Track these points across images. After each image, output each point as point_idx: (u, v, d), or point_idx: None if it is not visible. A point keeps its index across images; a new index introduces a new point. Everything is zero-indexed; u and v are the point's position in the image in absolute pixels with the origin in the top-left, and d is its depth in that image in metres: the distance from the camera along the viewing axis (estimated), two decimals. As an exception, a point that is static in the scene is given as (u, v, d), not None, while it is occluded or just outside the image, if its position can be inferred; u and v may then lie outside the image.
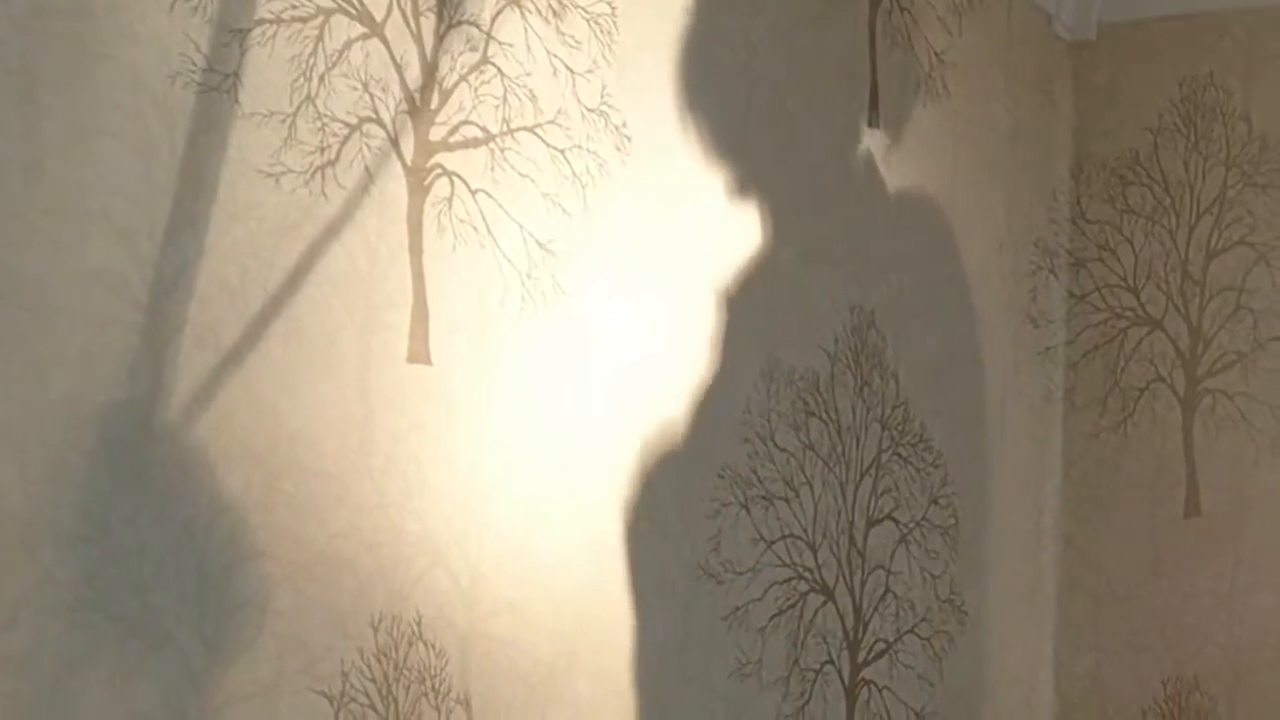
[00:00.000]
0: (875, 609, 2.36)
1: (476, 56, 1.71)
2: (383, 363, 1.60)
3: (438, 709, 1.64)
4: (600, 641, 1.86)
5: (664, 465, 1.97)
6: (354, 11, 1.57)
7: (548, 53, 1.81)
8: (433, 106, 1.66)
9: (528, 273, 1.77)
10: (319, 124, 1.54)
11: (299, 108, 1.51)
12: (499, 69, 1.74)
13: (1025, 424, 2.83)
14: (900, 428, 2.43)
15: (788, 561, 2.18)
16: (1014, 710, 2.79)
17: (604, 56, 1.89)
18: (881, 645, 2.38)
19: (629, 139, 1.93)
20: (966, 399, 2.63)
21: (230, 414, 1.45)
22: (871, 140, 2.41)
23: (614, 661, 1.88)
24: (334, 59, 1.55)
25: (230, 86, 1.45)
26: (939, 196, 2.57)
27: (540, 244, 1.79)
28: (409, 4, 1.63)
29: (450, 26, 1.68)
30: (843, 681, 2.29)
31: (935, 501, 2.52)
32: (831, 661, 2.27)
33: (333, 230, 1.55)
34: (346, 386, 1.56)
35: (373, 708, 1.57)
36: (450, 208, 1.68)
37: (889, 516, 2.40)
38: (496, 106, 1.73)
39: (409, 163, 1.63)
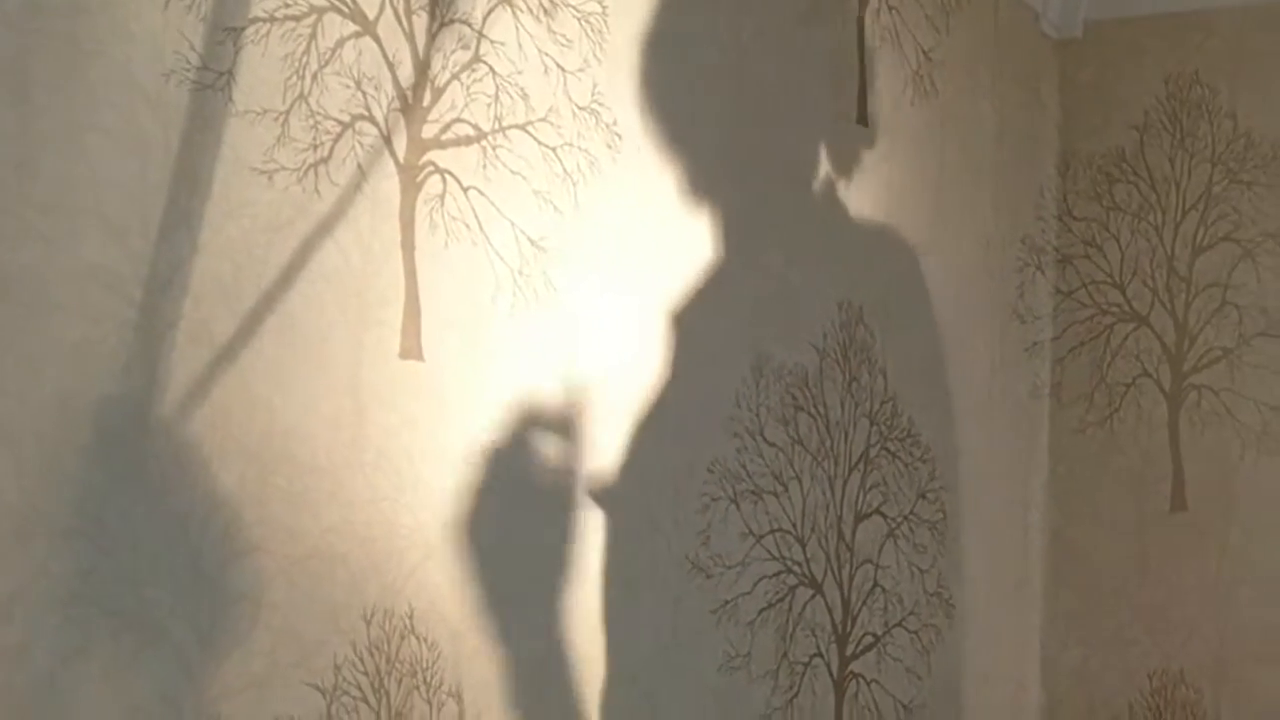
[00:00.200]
0: (863, 603, 2.37)
1: (468, 55, 1.72)
2: (375, 359, 1.61)
3: (429, 702, 1.65)
4: (591, 635, 1.87)
5: (654, 461, 1.98)
6: (347, 10, 1.57)
7: (539, 51, 1.81)
8: (425, 104, 1.67)
9: (519, 269, 1.78)
10: (312, 122, 1.54)
11: (292, 105, 1.52)
12: (491, 67, 1.74)
13: (1012, 419, 2.84)
14: (888, 423, 2.44)
15: (777, 555, 2.19)
16: (1001, 703, 2.80)
17: (595, 55, 1.89)
18: (870, 638, 2.39)
19: (620, 137, 1.93)
20: (954, 394, 2.63)
21: (224, 410, 1.46)
22: (860, 138, 2.41)
23: (605, 655, 1.89)
24: (327, 57, 1.56)
25: (224, 84, 1.45)
26: (927, 193, 2.58)
27: (532, 241, 1.80)
28: (401, 3, 1.63)
29: (442, 25, 1.69)
30: (831, 674, 2.30)
31: (923, 496, 2.53)
32: (820, 654, 2.27)
33: (326, 227, 1.56)
34: (339, 382, 1.57)
35: (365, 700, 1.58)
36: (442, 205, 1.68)
37: (877, 511, 2.41)
38: (488, 104, 1.74)
39: (401, 160, 1.64)
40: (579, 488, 1.87)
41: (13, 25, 1.27)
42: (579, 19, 1.87)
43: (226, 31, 1.46)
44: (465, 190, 1.71)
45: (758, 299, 2.18)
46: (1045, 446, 2.95)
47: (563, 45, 1.85)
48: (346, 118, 1.58)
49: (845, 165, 2.38)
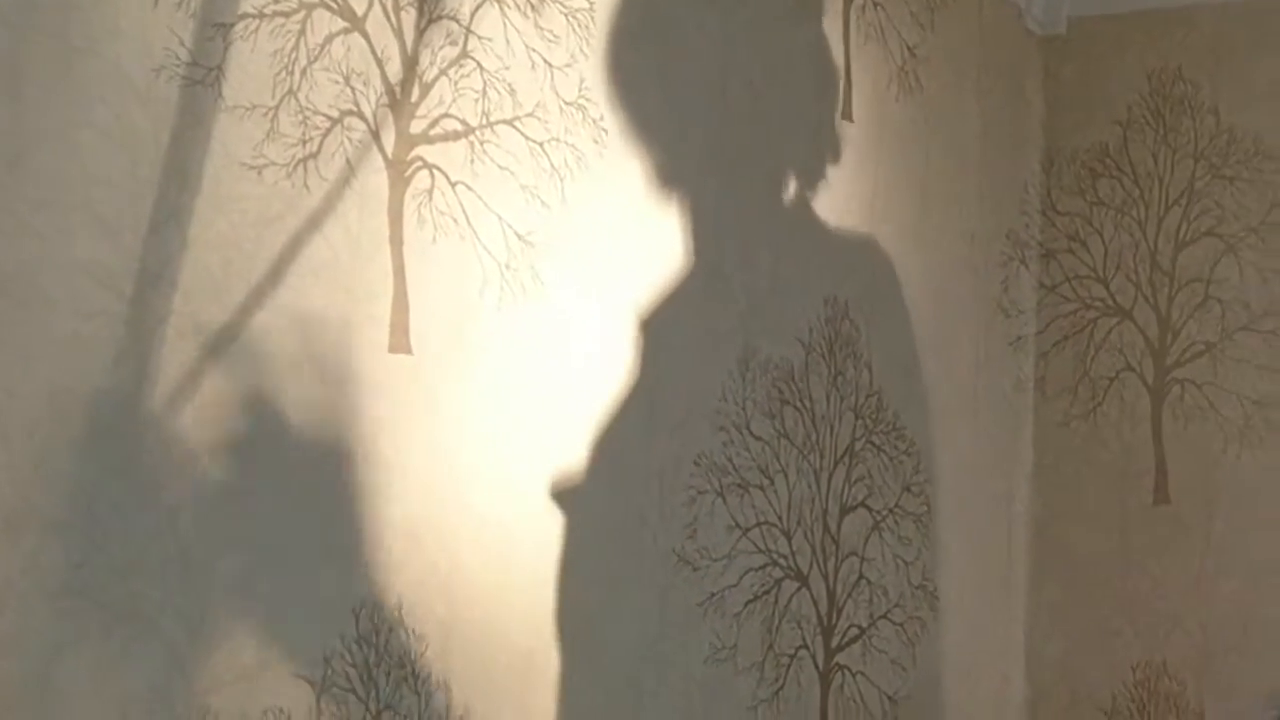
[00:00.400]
0: (849, 595, 2.38)
1: (456, 51, 1.72)
2: (364, 352, 1.61)
3: (418, 693, 1.65)
4: (579, 627, 1.87)
5: (641, 455, 1.99)
6: (335, 6, 1.58)
7: (526, 47, 1.82)
8: (413, 100, 1.67)
9: (507, 264, 1.78)
10: (301, 117, 1.54)
11: (281, 101, 1.52)
12: (478, 63, 1.75)
13: (996, 413, 2.85)
14: (874, 416, 2.45)
15: (763, 548, 2.19)
16: (986, 695, 2.80)
17: (582, 50, 1.90)
18: (855, 630, 2.39)
19: (606, 132, 1.94)
20: (939, 388, 2.64)
21: (214, 403, 1.46)
22: (846, 134, 2.42)
23: (592, 647, 1.89)
24: (316, 53, 1.56)
25: (214, 80, 1.46)
26: (912, 188, 2.58)
27: (519, 235, 1.80)
28: (390, -1, 1.64)
29: (430, 21, 1.69)
30: (817, 666, 2.31)
31: (908, 489, 2.53)
32: (806, 646, 2.28)
33: (314, 222, 1.56)
34: (328, 376, 1.57)
35: (354, 692, 1.58)
36: (430, 200, 1.69)
37: (862, 504, 2.42)
38: (476, 100, 1.74)
39: (390, 155, 1.64)
40: (563, 481, 1.87)
41: (6, 23, 1.27)
42: (566, 15, 1.88)
43: (216, 28, 1.46)
44: (453, 185, 1.71)
45: (744, 293, 2.19)
46: (1029, 440, 2.96)
47: (550, 41, 1.85)
48: (335, 113, 1.58)
49: (831, 161, 2.38)
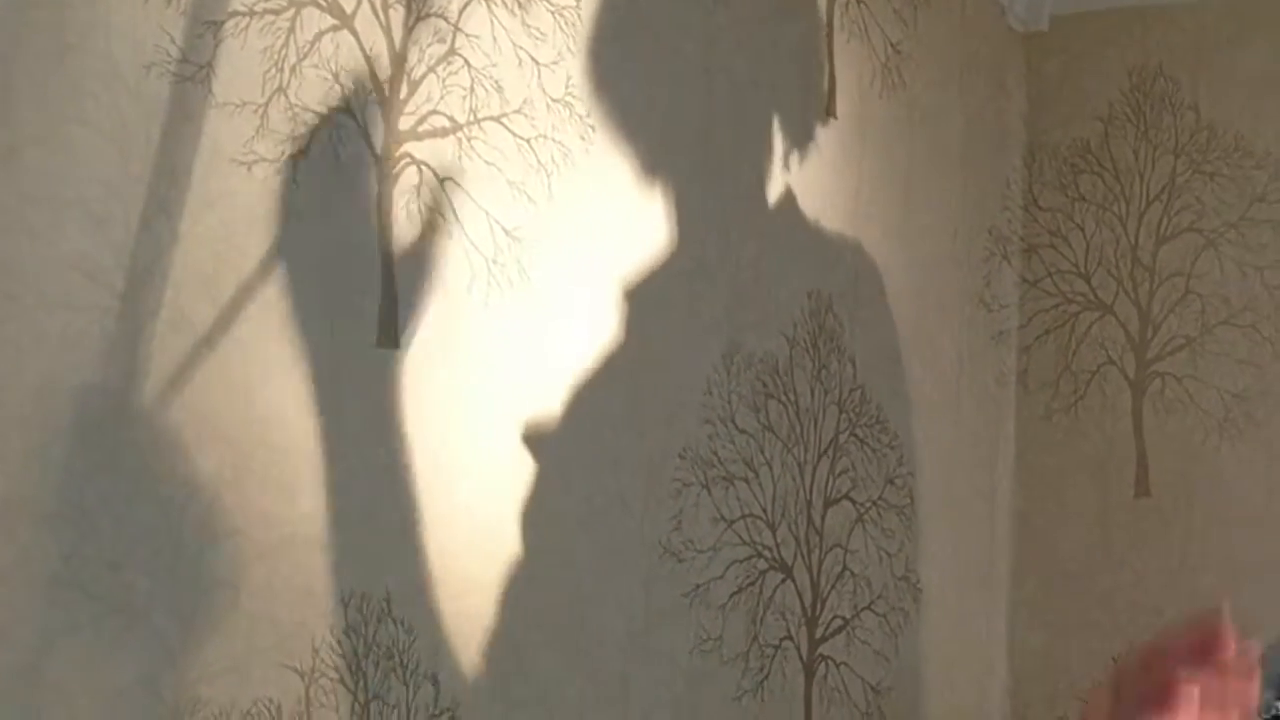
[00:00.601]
0: (833, 587, 2.39)
1: (444, 48, 1.73)
2: (352, 347, 1.62)
3: (406, 684, 1.66)
4: (566, 618, 1.88)
5: (627, 448, 2.00)
6: (325, 4, 1.59)
7: (513, 44, 1.82)
8: (401, 97, 1.68)
9: (494, 259, 1.79)
10: (291, 114, 1.55)
11: (271, 98, 1.53)
12: (466, 60, 1.76)
13: (979, 406, 2.86)
14: (857, 410, 2.46)
15: (747, 540, 2.20)
16: (968, 685, 2.81)
17: (569, 48, 1.91)
18: (839, 622, 2.40)
19: (593, 129, 1.95)
20: (921, 382, 2.65)
21: (204, 396, 1.47)
22: (830, 130, 2.42)
23: (579, 638, 1.90)
24: (305, 50, 1.57)
25: (204, 77, 1.47)
26: (895, 184, 2.59)
27: (506, 231, 1.81)
28: (378, -4, 1.64)
29: (419, 19, 1.70)
30: (801, 657, 2.32)
31: (891, 482, 2.54)
32: (790, 637, 2.29)
33: (303, 218, 1.57)
34: (317, 370, 1.58)
35: (342, 682, 1.59)
36: (418, 195, 1.70)
37: (846, 496, 2.43)
38: (464, 97, 1.75)
39: (378, 152, 1.65)
40: (550, 474, 1.88)
41: (-4, 18, 1.28)
42: (553, 12, 1.89)
43: (206, 25, 1.47)
44: (441, 181, 1.72)
45: (729, 288, 2.20)
46: (1011, 433, 2.97)
47: (537, 39, 1.86)
48: (324, 110, 1.59)
49: (814, 157, 2.39)
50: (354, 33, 1.62)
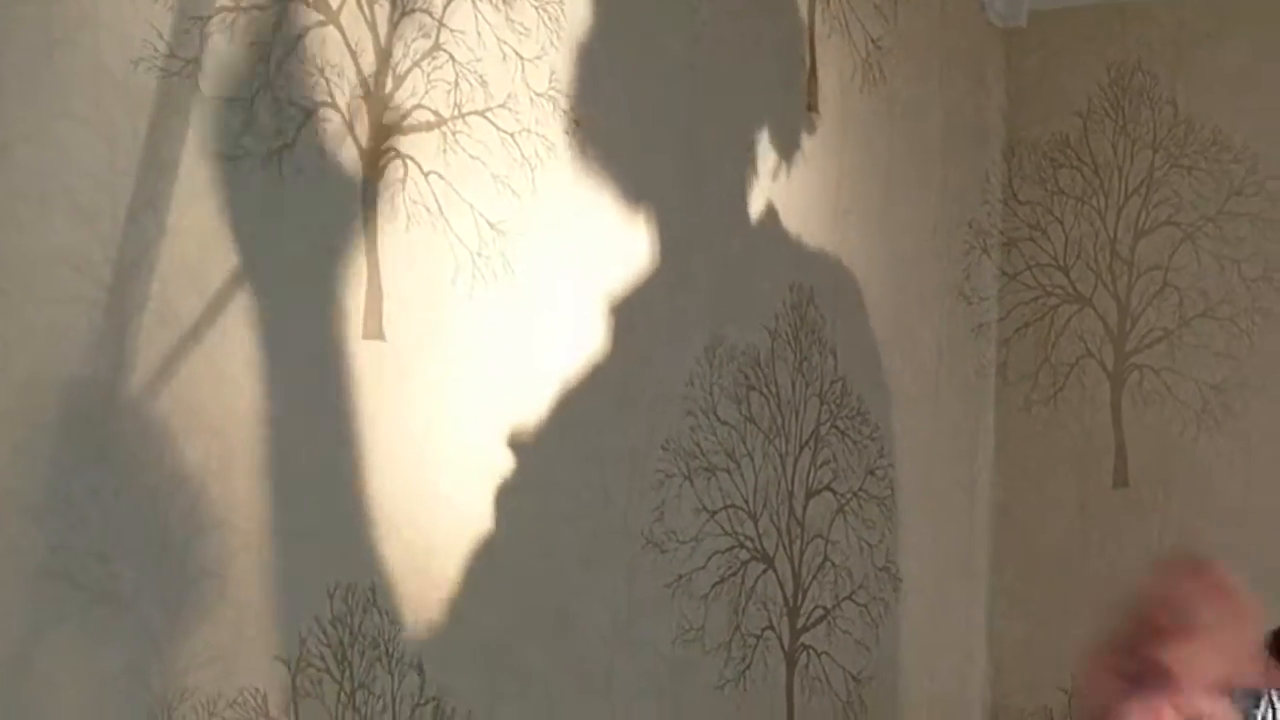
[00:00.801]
0: (814, 577, 2.40)
1: (429, 43, 1.74)
2: (338, 339, 1.63)
3: (391, 673, 1.67)
4: (549, 608, 1.90)
5: (610, 439, 2.01)
6: (310, 0, 1.59)
7: (497, 39, 1.83)
8: (386, 91, 1.69)
9: (478, 251, 1.80)
10: (277, 108, 1.56)
11: (257, 92, 1.54)
12: (450, 55, 1.76)
13: (959, 398, 2.87)
14: (838, 402, 2.47)
15: (729, 531, 2.21)
16: (948, 673, 2.83)
17: (552, 43, 1.91)
18: (820, 612, 2.41)
19: (577, 123, 1.95)
20: (902, 374, 2.66)
21: (191, 389, 1.48)
22: (811, 124, 2.43)
23: (562, 627, 1.92)
24: (291, 45, 1.58)
25: (191, 72, 1.47)
26: (876, 178, 2.60)
27: (490, 224, 1.82)
28: (363, -8, 1.65)
29: (403, 14, 1.71)
30: (783, 647, 2.33)
31: (872, 473, 2.55)
32: (772, 627, 2.30)
33: (290, 211, 1.58)
34: (303, 361, 1.59)
35: (328, 672, 1.60)
36: (403, 189, 1.70)
37: (827, 487, 2.44)
38: (448, 91, 1.76)
39: (363, 146, 1.66)
40: (534, 465, 1.89)
41: (-15, 14, 1.29)
42: (536, 8, 1.89)
43: (193, 20, 1.48)
44: (426, 175, 1.73)
45: (711, 281, 2.20)
46: (991, 425, 2.97)
47: (520, 34, 1.87)
48: (310, 104, 1.60)
49: (796, 151, 2.40)
50: (339, 28, 1.63)
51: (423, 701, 1.71)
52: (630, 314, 2.06)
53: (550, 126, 1.91)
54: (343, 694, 1.62)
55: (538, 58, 1.90)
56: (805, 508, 2.38)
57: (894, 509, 2.61)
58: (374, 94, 1.67)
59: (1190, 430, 2.86)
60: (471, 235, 1.79)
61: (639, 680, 2.04)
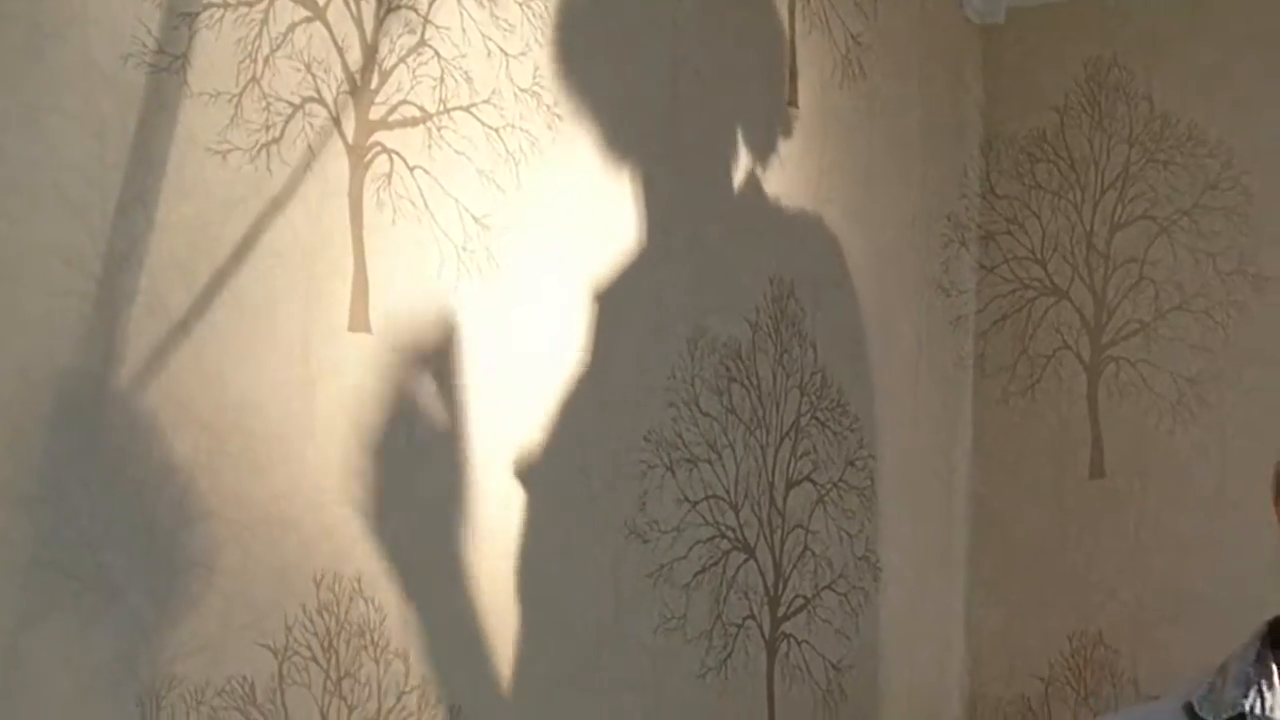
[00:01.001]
0: (794, 566, 2.41)
1: (414, 39, 1.75)
2: (325, 331, 1.64)
3: (377, 661, 1.69)
4: (533, 597, 1.91)
5: (593, 430, 2.02)
6: (297, -5, 1.61)
7: (482, 36, 1.84)
8: (373, 87, 1.70)
9: (463, 245, 1.81)
10: (264, 104, 1.57)
11: (245, 88, 1.55)
12: (436, 51, 1.78)
13: (937, 390, 2.88)
14: (818, 393, 2.48)
15: (711, 521, 2.23)
16: (927, 662, 2.84)
17: (536, 40, 1.93)
18: (800, 601, 2.43)
19: (560, 118, 1.97)
20: (881, 366, 2.67)
21: (179, 381, 1.49)
22: (792, 120, 2.45)
23: (546, 616, 1.93)
24: (278, 41, 1.59)
25: (179, 68, 1.49)
26: (856, 173, 2.61)
27: (475, 218, 1.83)
28: (349, -12, 1.66)
29: (389, 10, 1.72)
30: (763, 635, 2.34)
31: (851, 464, 2.56)
32: (753, 616, 2.31)
33: (277, 205, 1.59)
34: (290, 354, 1.60)
35: (315, 660, 1.62)
36: (389, 183, 1.72)
37: (807, 478, 2.45)
38: (434, 87, 1.77)
39: (350, 141, 1.67)
40: (519, 456, 1.91)
41: (-25, 10, 1.30)
42: (520, 4, 1.91)
43: (182, 16, 1.49)
44: (411, 169, 1.74)
45: (693, 274, 2.22)
46: (969, 416, 2.98)
47: (505, 30, 1.88)
48: (297, 100, 1.61)
49: (777, 145, 2.41)
50: (326, 24, 1.64)
51: (408, 689, 1.72)
52: (613, 307, 2.07)
53: (534, 122, 1.93)
54: (329, 682, 1.63)
55: (522, 54, 1.91)
56: (786, 498, 2.39)
57: (874, 499, 2.62)
58: (360, 89, 1.69)
59: (1166, 422, 2.87)
60: (457, 229, 1.81)
61: (622, 667, 2.06)
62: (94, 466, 1.42)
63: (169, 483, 1.48)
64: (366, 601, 1.68)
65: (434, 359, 1.78)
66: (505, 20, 1.88)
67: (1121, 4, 2.94)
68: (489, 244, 1.85)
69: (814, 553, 2.45)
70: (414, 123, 1.75)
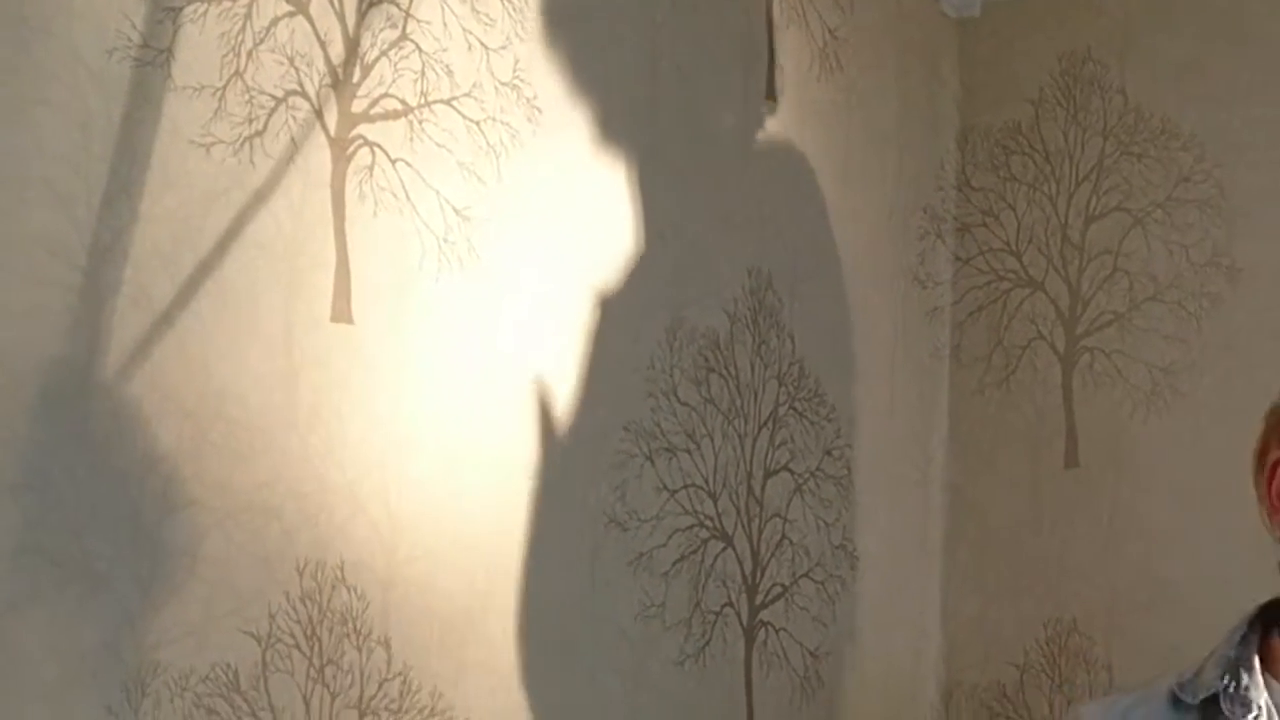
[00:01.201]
0: (772, 555, 2.43)
1: (396, 33, 1.77)
2: (307, 322, 1.66)
3: (359, 648, 1.70)
4: (513, 585, 1.93)
5: (573, 420, 2.03)
6: (280, -10, 1.62)
7: (463, 29, 1.86)
8: (355, 80, 1.72)
9: (444, 237, 1.83)
10: (247, 97, 1.59)
11: (228, 81, 1.57)
12: (417, 45, 1.79)
13: (913, 380, 2.89)
14: (796, 384, 2.49)
15: (690, 510, 2.24)
16: (903, 649, 2.85)
17: (516, 33, 1.94)
18: (778, 589, 2.44)
19: (540, 111, 1.98)
20: (858, 357, 2.68)
21: (163, 371, 1.51)
22: (770, 113, 2.46)
23: (526, 604, 1.95)
24: (261, 35, 1.60)
25: (164, 61, 1.50)
26: (833, 165, 2.62)
27: (456, 210, 1.85)
28: (332, -18, 1.68)
29: (371, 5, 1.74)
30: (741, 623, 2.36)
31: (829, 453, 2.58)
32: (731, 604, 2.33)
33: (260, 197, 1.61)
34: (273, 345, 1.62)
35: (298, 647, 1.63)
36: (371, 176, 1.73)
37: (785, 467, 2.46)
38: (415, 80, 1.79)
39: (332, 133, 1.69)
40: (499, 446, 1.92)
41: (-39, 4, 1.31)
42: (501, -2, 1.92)
43: (166, 11, 1.50)
44: (393, 162, 1.76)
45: (672, 265, 2.23)
46: (945, 406, 2.99)
47: (486, 24, 1.89)
48: (280, 93, 1.63)
49: (755, 138, 2.42)
50: (308, 18, 1.66)
51: (390, 676, 1.74)
52: (593, 298, 2.08)
53: (514, 115, 1.94)
54: (312, 669, 1.65)
55: (502, 47, 1.92)
56: (764, 487, 2.40)
57: (851, 488, 2.64)
58: (342, 83, 1.70)
59: (1140, 412, 2.87)
60: (438, 221, 1.82)
61: (602, 655, 2.07)
62: (79, 455, 1.43)
63: (153, 471, 1.50)
64: (349, 589, 1.69)
65: (415, 350, 1.79)
66: (486, 14, 1.89)
67: (1095, -1, 2.96)
68: (470, 235, 1.87)
69: (791, 541, 2.47)
70: (395, 116, 1.76)
